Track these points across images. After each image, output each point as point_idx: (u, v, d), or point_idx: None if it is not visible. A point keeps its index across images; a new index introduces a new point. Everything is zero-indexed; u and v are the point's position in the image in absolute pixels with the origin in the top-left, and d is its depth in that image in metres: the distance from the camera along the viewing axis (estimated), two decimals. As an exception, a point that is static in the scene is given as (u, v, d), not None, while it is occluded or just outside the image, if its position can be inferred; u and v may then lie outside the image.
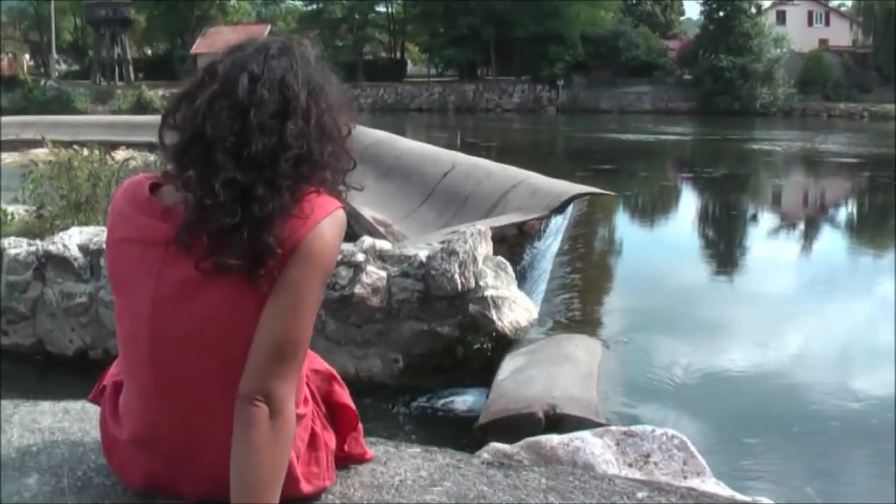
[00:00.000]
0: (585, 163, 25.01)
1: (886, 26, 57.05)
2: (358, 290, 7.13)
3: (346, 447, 2.40)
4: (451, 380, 7.12)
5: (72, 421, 2.80)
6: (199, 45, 62.46)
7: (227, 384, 1.96)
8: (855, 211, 18.04)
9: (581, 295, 8.16)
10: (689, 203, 18.74)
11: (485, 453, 2.80)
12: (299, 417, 2.07)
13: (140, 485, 2.24)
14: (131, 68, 68.77)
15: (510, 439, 3.03)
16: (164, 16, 71.71)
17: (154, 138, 2.13)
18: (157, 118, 2.13)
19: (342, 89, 2.16)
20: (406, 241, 11.50)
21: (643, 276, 10.12)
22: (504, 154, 22.87)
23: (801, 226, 15.37)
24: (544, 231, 11.25)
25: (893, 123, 41.39)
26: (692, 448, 2.79)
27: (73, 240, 8.01)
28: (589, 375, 5.94)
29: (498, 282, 7.29)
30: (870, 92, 56.07)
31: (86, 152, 12.78)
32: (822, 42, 64.39)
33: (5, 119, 34.63)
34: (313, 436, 2.21)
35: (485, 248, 7.48)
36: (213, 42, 53.57)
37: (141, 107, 55.15)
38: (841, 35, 66.28)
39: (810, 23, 69.89)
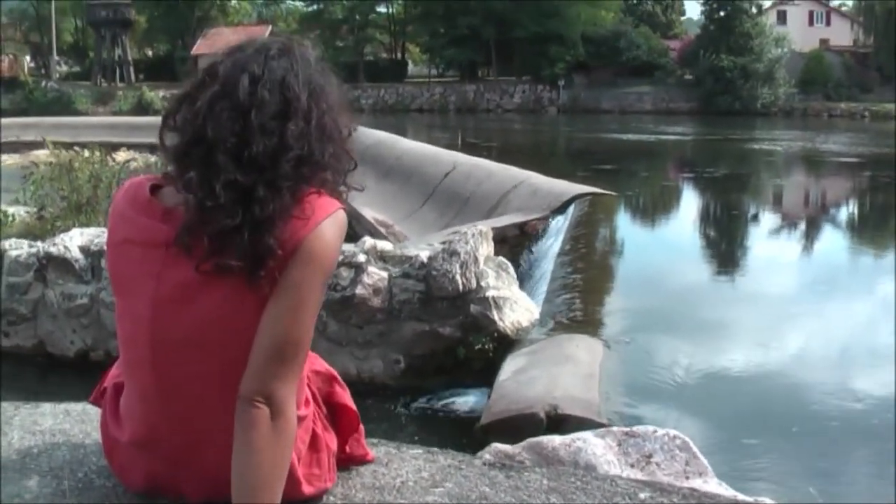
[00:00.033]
0: (586, 163, 24.99)
1: (887, 26, 57.03)
2: (359, 290, 7.13)
3: (347, 448, 2.40)
4: (452, 380, 7.11)
5: (73, 423, 2.80)
6: (200, 46, 62.51)
7: (228, 386, 1.95)
8: (856, 211, 18.03)
9: (582, 295, 8.15)
10: (690, 203, 18.72)
11: (486, 454, 2.80)
12: (300, 419, 2.07)
13: (141, 486, 2.24)
14: (132, 69, 68.79)
15: (512, 440, 3.03)
16: (164, 17, 71.76)
17: (155, 139, 2.13)
18: (158, 119, 2.13)
19: (342, 90, 2.16)
20: (407, 241, 11.49)
21: (644, 276, 10.11)
22: (505, 154, 22.88)
23: (802, 226, 15.35)
24: (545, 231, 11.24)
25: (894, 123, 41.34)
26: (694, 448, 2.79)
27: (73, 241, 8.00)
28: (590, 376, 5.93)
29: (499, 282, 7.28)
30: (871, 92, 56.08)
31: (86, 153, 12.78)
32: (823, 42, 64.41)
33: (6, 121, 34.66)
34: (314, 437, 2.21)
35: (486, 248, 7.48)
36: (213, 43, 53.58)
37: (142, 108, 55.19)
38: (842, 35, 66.29)
39: (811, 22, 69.91)
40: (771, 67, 55.85)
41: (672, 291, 9.51)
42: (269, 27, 63.48)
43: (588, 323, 7.40)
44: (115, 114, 53.57)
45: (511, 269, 7.62)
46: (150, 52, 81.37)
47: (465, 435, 5.78)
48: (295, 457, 2.07)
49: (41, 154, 15.80)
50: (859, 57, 61.38)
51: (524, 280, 9.04)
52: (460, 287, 7.05)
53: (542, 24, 60.25)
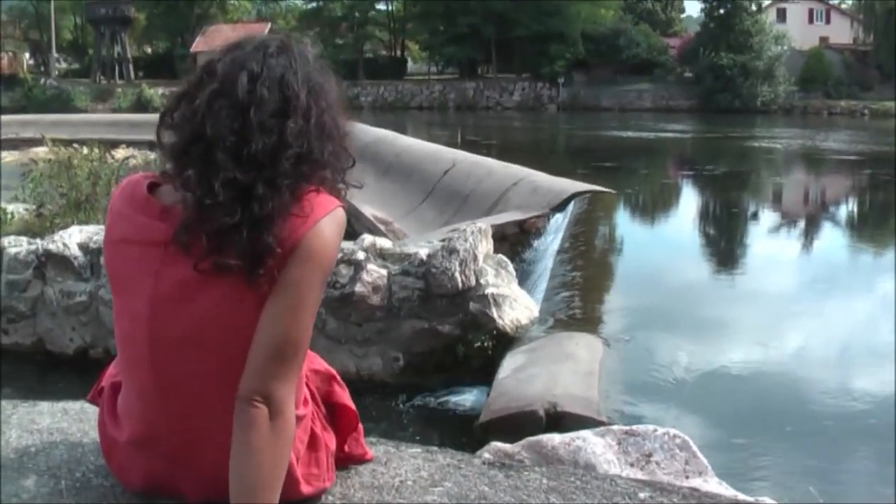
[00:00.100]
0: (586, 160, 25.00)
1: (887, 24, 57.04)
2: (358, 288, 7.12)
3: (346, 448, 2.39)
4: (451, 378, 7.11)
5: (70, 421, 2.79)
6: (199, 44, 62.51)
7: (227, 384, 1.95)
8: (855, 209, 18.04)
9: (582, 293, 8.14)
10: (689, 201, 18.73)
11: (486, 453, 2.79)
12: (299, 418, 2.06)
13: (139, 486, 2.23)
14: (131, 67, 68.82)
15: (511, 438, 3.02)
16: (164, 14, 71.77)
17: (154, 137, 2.12)
18: (157, 117, 2.13)
19: (340, 88, 2.15)
20: (406, 239, 11.49)
21: (644, 274, 10.11)
22: (505, 152, 22.89)
23: (802, 223, 15.35)
24: (545, 229, 11.23)
25: (894, 121, 41.34)
26: (694, 448, 2.78)
27: (73, 238, 7.99)
28: (590, 374, 5.93)
29: (499, 280, 7.28)
30: (870, 90, 56.09)
31: (85, 151, 12.77)
32: (823, 40, 64.40)
33: (5, 118, 34.67)
34: (313, 437, 2.20)
35: (485, 246, 7.47)
36: (213, 40, 53.55)
37: (141, 105, 55.24)
38: (841, 33, 66.29)
39: (811, 20, 69.90)
40: (771, 65, 55.86)
41: (671, 289, 9.51)
42: (269, 24, 63.63)
43: (587, 321, 7.39)
44: (114, 111, 53.62)
45: (510, 267, 7.62)
46: (149, 50, 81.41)
47: (465, 433, 5.78)
48: (293, 456, 2.06)
49: (40, 151, 15.77)
50: (859, 55, 61.39)
51: (523, 278, 9.03)
52: (459, 285, 7.04)
53: (543, 23, 60.24)
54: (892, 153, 24.95)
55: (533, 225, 11.40)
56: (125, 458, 2.20)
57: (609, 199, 13.16)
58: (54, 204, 11.34)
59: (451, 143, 23.50)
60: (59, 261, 7.91)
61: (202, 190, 1.91)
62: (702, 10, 61.37)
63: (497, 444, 2.87)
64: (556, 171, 14.71)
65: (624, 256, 11.29)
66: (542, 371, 5.97)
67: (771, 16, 64.50)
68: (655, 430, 2.83)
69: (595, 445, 2.77)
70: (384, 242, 7.66)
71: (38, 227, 10.50)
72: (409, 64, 78.56)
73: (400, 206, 15.91)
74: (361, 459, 2.48)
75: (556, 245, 10.16)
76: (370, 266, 7.21)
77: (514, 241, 10.97)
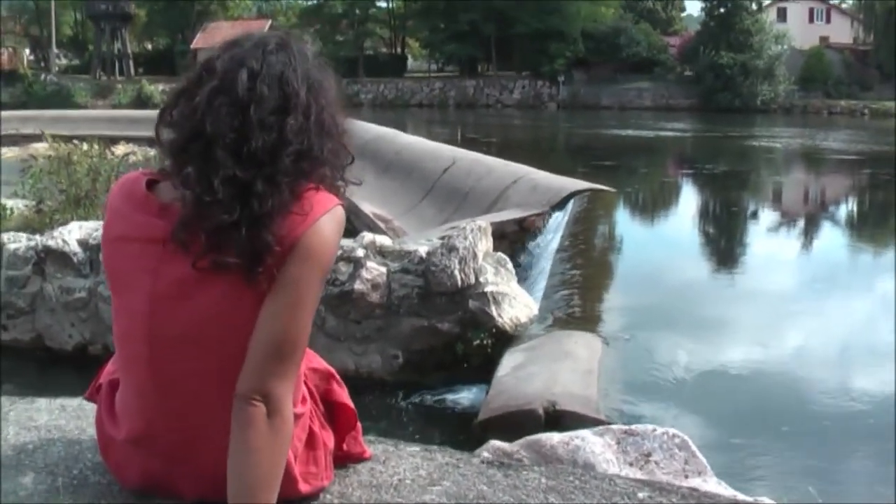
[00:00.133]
0: (586, 159, 25.00)
1: (887, 24, 57.06)
2: (358, 285, 7.11)
3: (344, 446, 2.39)
4: (450, 376, 7.10)
5: (68, 418, 2.79)
6: (200, 41, 62.53)
7: (226, 382, 1.94)
8: (855, 208, 18.04)
9: (581, 291, 8.13)
10: (689, 200, 18.73)
11: (484, 452, 2.79)
12: (297, 417, 2.06)
13: (137, 484, 2.22)
14: (131, 63, 68.78)
15: (510, 436, 3.01)
16: (164, 11, 71.75)
17: (154, 133, 2.12)
18: (157, 113, 2.12)
19: (339, 85, 2.15)
20: (406, 236, 11.49)
21: (643, 272, 10.10)
22: (504, 150, 22.84)
23: (802, 223, 15.35)
24: (544, 227, 11.23)
25: (894, 121, 41.35)
26: (693, 447, 2.78)
27: (72, 235, 7.99)
28: (589, 372, 5.92)
29: (498, 278, 7.27)
30: (871, 89, 56.12)
31: (85, 147, 12.76)
32: (823, 39, 64.40)
33: (5, 113, 34.62)
34: (311, 435, 2.20)
35: (485, 244, 7.46)
36: (213, 37, 53.63)
37: (141, 101, 55.23)
38: (842, 32, 66.28)
39: (811, 20, 69.92)
40: (771, 64, 55.88)
41: (671, 288, 9.51)
42: (269, 22, 63.63)
43: (587, 319, 7.38)
44: (114, 107, 53.64)
45: (510, 265, 7.61)
46: (149, 46, 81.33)
47: (464, 431, 5.78)
48: (291, 455, 2.06)
49: (40, 147, 15.77)
50: (859, 54, 61.39)
51: (523, 276, 9.03)
52: (459, 282, 7.04)
53: (543, 21, 60.23)
54: (892, 153, 24.95)
55: (532, 223, 11.39)
56: (122, 456, 2.20)
57: (609, 198, 13.16)
58: (54, 200, 11.34)
59: (451, 141, 23.49)
60: (58, 257, 7.90)
61: (201, 187, 1.91)
62: (702, 8, 61.44)
63: (496, 443, 2.86)
64: (556, 169, 14.70)
65: (623, 255, 11.28)
66: (542, 369, 5.96)
67: (771, 15, 64.53)
68: (654, 430, 2.82)
69: (594, 445, 2.76)
70: (384, 240, 7.65)
71: (38, 223, 10.51)
72: (410, 61, 78.59)
73: (400, 203, 15.90)
74: (360, 458, 2.47)
75: (555, 243, 10.15)
76: (370, 263, 7.21)
77: (514, 239, 10.97)
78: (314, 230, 1.95)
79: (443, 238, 7.50)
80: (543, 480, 2.42)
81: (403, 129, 26.87)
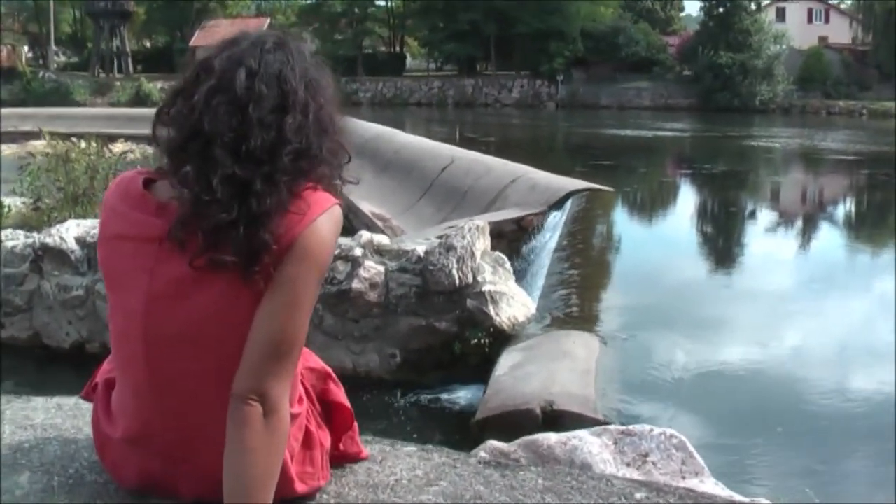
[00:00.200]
0: (584, 158, 25.00)
1: (886, 24, 57.08)
2: (355, 284, 7.11)
3: (341, 446, 2.39)
4: (448, 375, 7.11)
5: (65, 417, 2.78)
6: (198, 38, 62.41)
7: (224, 382, 1.93)
8: (853, 208, 18.04)
9: (579, 291, 8.14)
10: (687, 199, 18.73)
11: (481, 452, 2.78)
12: (294, 416, 2.06)
13: (134, 483, 2.22)
14: (130, 61, 68.69)
15: (507, 436, 3.01)
16: (163, 8, 71.69)
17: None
18: (155, 111, 2.11)
19: (336, 84, 2.14)
20: (404, 235, 11.49)
21: (641, 272, 10.11)
22: (503, 149, 22.84)
23: (800, 223, 15.36)
24: (542, 227, 11.23)
25: (893, 121, 41.37)
26: (690, 448, 2.77)
27: (70, 232, 7.99)
28: (587, 372, 5.92)
29: (496, 277, 7.27)
30: (869, 89, 56.13)
31: (83, 144, 12.76)
32: (822, 39, 64.42)
33: (4, 111, 34.60)
34: (308, 435, 2.19)
35: (483, 243, 7.46)
36: (212, 35, 53.45)
37: (140, 99, 55.19)
38: (840, 32, 66.30)
39: (810, 20, 69.95)
40: (770, 64, 55.89)
41: (669, 288, 9.51)
42: (268, 20, 63.49)
43: (585, 319, 7.39)
44: (112, 105, 53.60)
45: (508, 264, 7.61)
46: (148, 44, 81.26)
47: (461, 430, 5.78)
48: (288, 455, 2.05)
49: (38, 145, 15.75)
50: (858, 54, 61.41)
51: (521, 275, 9.02)
52: (457, 282, 7.04)
53: (543, 20, 60.24)
54: (891, 153, 24.96)
55: (531, 222, 11.40)
56: (119, 456, 2.19)
57: (607, 198, 13.17)
58: (52, 197, 11.35)
59: (450, 140, 23.49)
60: (55, 255, 7.90)
61: (200, 186, 1.90)
62: (701, 8, 61.46)
63: (493, 443, 2.85)
64: (555, 168, 14.72)
65: (622, 255, 11.29)
66: (539, 369, 5.97)
67: (770, 15, 64.52)
68: (652, 430, 2.81)
69: (591, 445, 2.76)
70: (382, 239, 7.65)
71: (36, 220, 10.51)
72: (409, 60, 78.59)
73: (398, 202, 15.90)
74: (356, 458, 2.47)
75: (553, 243, 10.16)
76: (367, 262, 7.21)
77: (512, 239, 10.98)
78: (311, 230, 1.94)
79: (441, 237, 7.50)
80: (540, 481, 2.42)
81: (402, 127, 26.89)
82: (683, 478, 2.66)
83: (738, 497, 2.59)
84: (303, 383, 2.21)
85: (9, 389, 4.92)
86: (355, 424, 2.43)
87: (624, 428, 2.88)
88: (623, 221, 14.35)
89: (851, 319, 8.38)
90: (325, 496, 2.28)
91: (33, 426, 2.70)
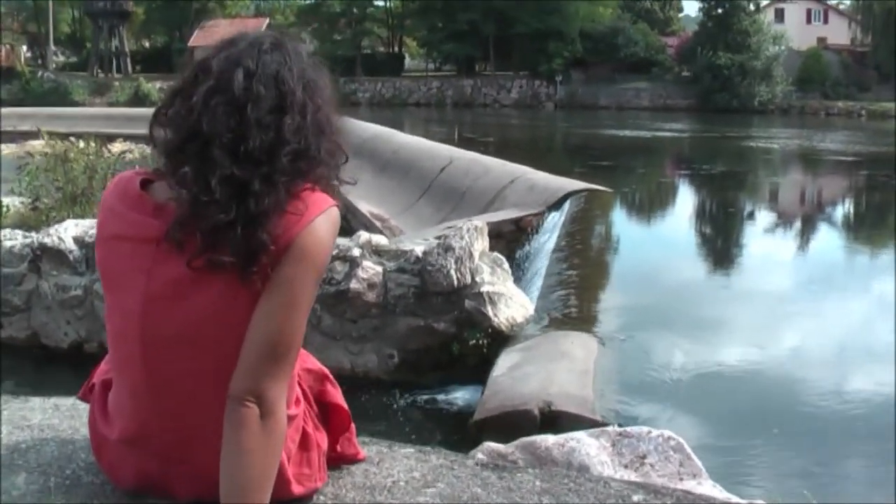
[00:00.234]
0: (583, 159, 25.01)
1: (885, 25, 57.11)
2: (354, 284, 7.11)
3: (338, 447, 2.38)
4: (446, 376, 7.10)
5: (62, 418, 2.78)
6: (197, 38, 62.41)
7: (221, 383, 1.93)
8: (852, 209, 18.04)
9: (577, 292, 8.14)
10: (686, 200, 18.74)
11: (479, 453, 2.78)
12: (291, 418, 2.05)
13: (130, 484, 2.21)
14: (129, 61, 68.62)
15: (505, 436, 3.01)
16: (162, 8, 71.65)
17: (151, 131, 2.11)
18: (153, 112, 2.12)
19: (334, 84, 2.14)
20: (402, 236, 11.49)
21: (640, 273, 10.11)
22: (502, 150, 22.85)
23: (798, 224, 15.36)
24: (541, 227, 11.22)
25: (892, 122, 41.39)
26: (688, 450, 2.77)
27: (68, 232, 7.98)
28: (585, 373, 5.92)
29: (494, 278, 7.27)
30: (868, 90, 56.14)
31: (82, 144, 12.75)
32: (821, 40, 64.42)
33: (3, 111, 34.57)
34: (305, 436, 2.19)
35: (481, 243, 7.46)
36: (210, 35, 53.42)
37: (138, 99, 55.17)
38: (839, 33, 66.30)
39: (809, 21, 69.94)
40: (768, 65, 55.91)
41: (668, 288, 9.51)
42: (267, 20, 63.51)
43: (583, 319, 7.38)
44: (111, 105, 53.58)
45: (506, 265, 7.61)
46: (147, 44, 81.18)
47: (459, 431, 5.77)
48: (285, 456, 2.05)
49: (37, 144, 15.75)
50: (857, 55, 61.42)
51: (519, 276, 9.02)
52: (455, 282, 7.03)
53: (542, 20, 60.21)
54: (889, 154, 24.98)
55: (529, 223, 11.39)
56: (116, 456, 2.19)
57: (606, 198, 13.17)
58: (50, 197, 11.34)
59: (449, 141, 23.49)
60: (54, 254, 7.90)
61: (198, 187, 1.90)
62: (700, 9, 61.44)
63: (490, 445, 2.86)
64: (553, 169, 14.72)
65: (620, 255, 11.29)
66: (538, 370, 5.96)
67: (769, 16, 64.51)
68: (650, 432, 2.82)
69: (589, 447, 2.76)
70: (380, 239, 7.65)
71: (34, 220, 10.50)
72: (407, 60, 78.56)
73: (396, 202, 15.90)
74: (354, 459, 2.47)
75: (552, 243, 10.15)
76: (366, 263, 7.20)
77: (511, 239, 10.97)
78: (309, 231, 1.94)
79: (439, 238, 7.50)
80: (538, 483, 2.41)
81: (401, 128, 26.89)
82: (681, 479, 2.66)
83: (735, 499, 2.60)
84: (300, 384, 2.21)
85: (7, 389, 4.91)
86: (352, 426, 2.43)
87: (621, 430, 2.88)
88: (622, 222, 14.35)
89: (850, 320, 8.39)
90: (322, 498, 2.28)
91: (30, 427, 2.70)
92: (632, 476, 2.64)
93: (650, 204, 17.96)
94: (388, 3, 74.67)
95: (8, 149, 23.46)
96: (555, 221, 11.19)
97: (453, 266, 7.03)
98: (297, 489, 2.16)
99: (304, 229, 1.94)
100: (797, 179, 23.09)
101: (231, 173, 1.90)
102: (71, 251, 7.84)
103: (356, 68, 65.95)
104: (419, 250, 7.27)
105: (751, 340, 7.55)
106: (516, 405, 5.43)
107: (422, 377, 7.17)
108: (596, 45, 62.04)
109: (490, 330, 6.99)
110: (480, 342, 6.98)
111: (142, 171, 2.13)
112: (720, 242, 13.59)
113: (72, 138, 13.54)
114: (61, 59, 76.49)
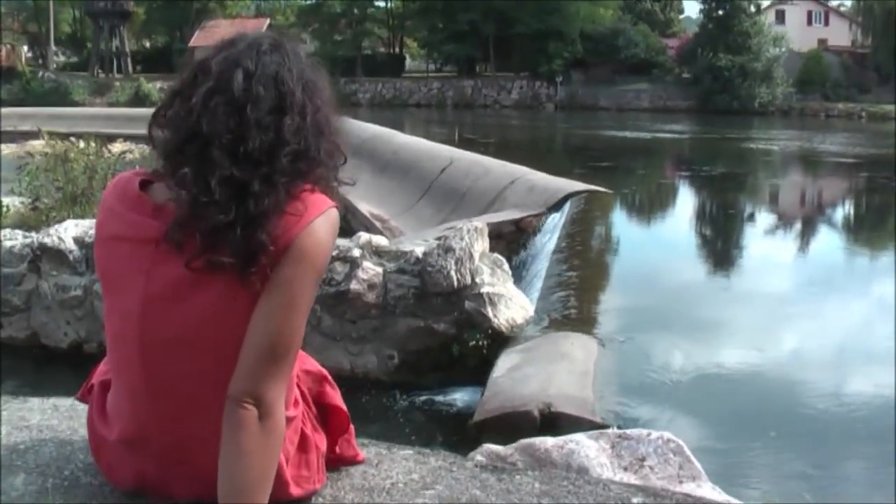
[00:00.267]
0: (583, 160, 25.00)
1: (886, 26, 57.03)
2: (354, 285, 7.10)
3: (337, 449, 2.38)
4: (446, 377, 7.10)
5: (61, 418, 2.77)
6: (198, 39, 62.42)
7: (220, 384, 1.93)
8: (852, 211, 18.03)
9: (577, 293, 8.13)
10: (686, 201, 18.73)
11: (478, 455, 2.78)
12: (289, 419, 2.05)
13: (128, 485, 2.21)
14: (129, 61, 68.61)
15: (505, 437, 3.01)
16: (163, 8, 71.60)
17: (152, 131, 2.11)
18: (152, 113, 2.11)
19: (332, 85, 2.14)
20: (402, 236, 11.48)
21: (640, 274, 10.10)
22: (502, 150, 22.83)
23: (799, 225, 15.35)
24: (541, 228, 11.22)
25: (892, 124, 41.38)
26: (688, 452, 2.77)
27: (68, 232, 7.98)
28: (585, 374, 5.92)
29: (494, 279, 7.26)
30: (868, 92, 56.10)
31: (82, 144, 12.74)
32: (821, 42, 64.39)
33: (3, 111, 34.56)
34: (303, 438, 2.19)
35: (481, 244, 7.45)
36: (211, 35, 53.45)
37: (139, 99, 55.18)
38: (840, 35, 66.25)
39: (809, 22, 69.92)
40: (769, 67, 55.85)
41: (668, 290, 9.50)
42: (267, 20, 63.58)
43: (583, 321, 7.38)
44: (111, 105, 53.57)
45: (506, 266, 7.60)
46: (147, 44, 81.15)
47: (459, 432, 5.77)
48: (283, 458, 2.05)
49: (37, 144, 15.74)
50: (857, 57, 61.38)
51: (519, 277, 9.01)
52: (455, 283, 7.03)
53: (542, 21, 60.15)
54: (890, 156, 24.96)
55: (529, 224, 11.38)
56: (114, 457, 2.19)
57: (606, 199, 13.15)
58: (50, 197, 11.33)
59: (449, 141, 23.48)
60: (54, 254, 7.89)
61: (198, 187, 1.90)
62: (700, 10, 61.36)
63: (489, 447, 2.85)
64: (554, 170, 14.69)
65: (620, 256, 11.28)
66: (537, 371, 5.96)
67: (769, 17, 64.47)
68: (649, 434, 2.81)
69: (588, 449, 2.75)
70: (380, 240, 7.65)
71: (34, 220, 10.49)
72: (408, 61, 78.51)
73: (396, 203, 15.89)
74: (352, 461, 2.47)
75: (552, 244, 10.15)
76: (366, 264, 7.20)
77: (511, 240, 10.96)
78: (308, 232, 1.94)
79: (439, 238, 7.49)
80: (537, 485, 2.41)
81: (401, 128, 26.85)
82: (681, 482, 2.65)
83: (734, 501, 2.59)
84: (299, 386, 2.21)
85: (7, 390, 4.90)
86: (351, 427, 2.42)
87: (621, 432, 2.88)
88: (622, 223, 14.34)
89: (850, 322, 8.38)
90: (320, 499, 2.28)
91: (29, 427, 2.69)
92: (631, 478, 2.64)
93: (650, 205, 17.95)
94: (388, 4, 74.71)
95: (8, 149, 23.45)
96: (555, 222, 11.18)
97: (453, 267, 7.03)
98: (295, 491, 2.16)
99: (304, 230, 1.94)
100: (797, 181, 23.07)
101: (230, 174, 1.90)
102: (71, 251, 7.84)
103: (357, 69, 65.91)
104: (419, 251, 7.27)
105: (751, 342, 7.54)
106: (516, 406, 5.43)
107: (422, 378, 7.16)
108: (596, 46, 62.00)
109: (490, 331, 6.98)
110: (480, 343, 6.97)
111: (141, 171, 2.13)
112: (720, 244, 13.58)
113: (72, 138, 13.54)
114: (62, 59, 76.49)
